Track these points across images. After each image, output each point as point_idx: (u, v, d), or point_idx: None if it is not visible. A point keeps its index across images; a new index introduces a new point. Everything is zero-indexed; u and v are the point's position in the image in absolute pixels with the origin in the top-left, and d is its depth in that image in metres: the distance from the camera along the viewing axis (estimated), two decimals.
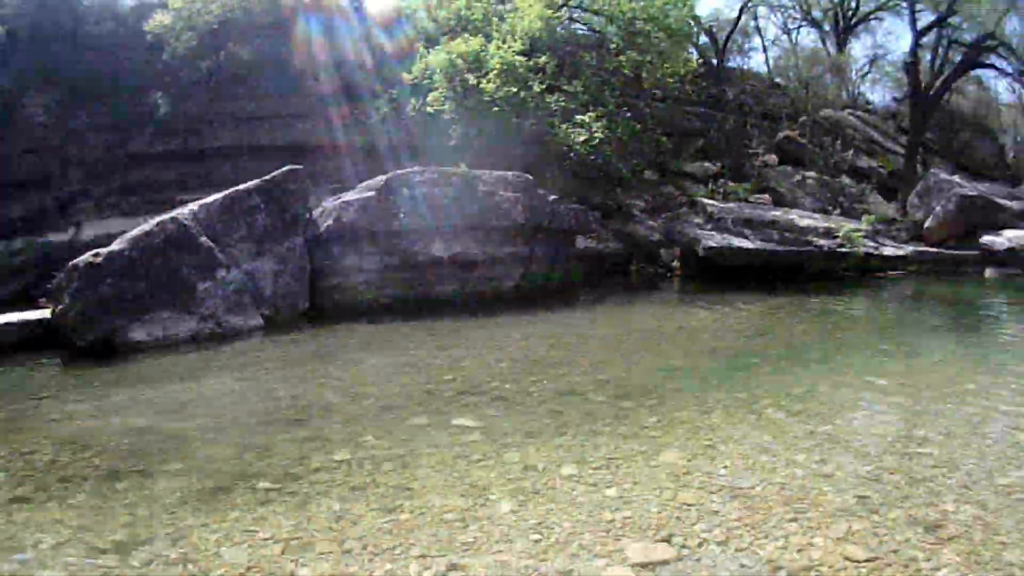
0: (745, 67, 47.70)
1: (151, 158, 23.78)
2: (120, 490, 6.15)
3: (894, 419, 8.71)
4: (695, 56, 34.93)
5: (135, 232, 12.75)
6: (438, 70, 22.25)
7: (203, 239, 13.35)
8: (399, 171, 16.84)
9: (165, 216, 13.30)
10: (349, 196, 16.26)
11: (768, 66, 50.68)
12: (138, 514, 5.68)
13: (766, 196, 30.75)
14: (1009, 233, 30.10)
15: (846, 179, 35.45)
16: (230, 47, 25.71)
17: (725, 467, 6.74)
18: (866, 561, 5.02)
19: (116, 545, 5.23)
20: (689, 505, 5.87)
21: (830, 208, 31.63)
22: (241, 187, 14.56)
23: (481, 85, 21.60)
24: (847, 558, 5.07)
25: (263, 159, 21.11)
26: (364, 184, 16.79)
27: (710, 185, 30.49)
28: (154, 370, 10.96)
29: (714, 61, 37.55)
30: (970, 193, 31.05)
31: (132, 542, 5.26)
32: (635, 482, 6.33)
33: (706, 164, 32.66)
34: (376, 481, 6.31)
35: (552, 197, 18.82)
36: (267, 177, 14.92)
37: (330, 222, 15.53)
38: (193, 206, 13.94)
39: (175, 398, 9.27)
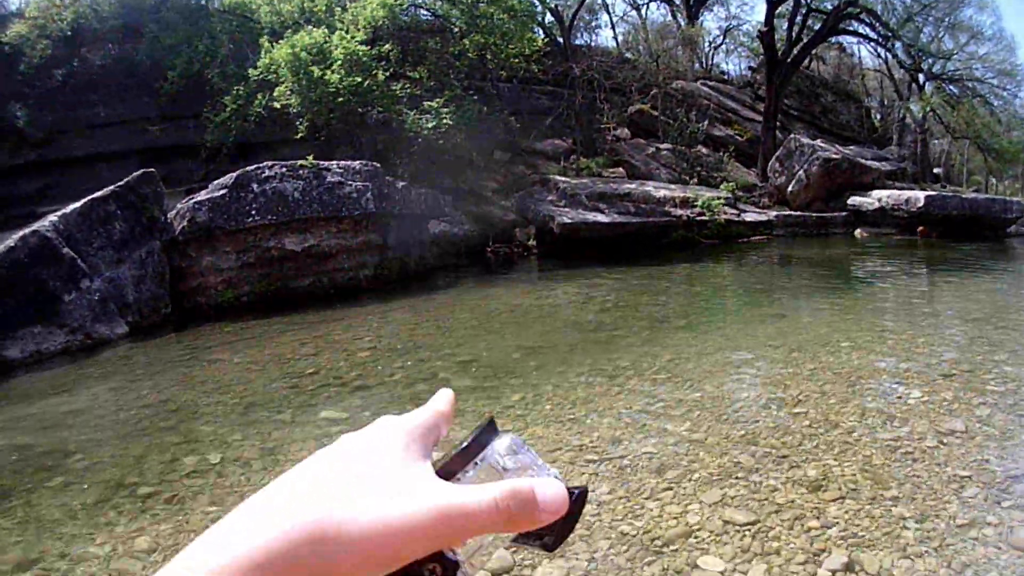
0: (593, 44, 48.22)
1: (11, 171, 23.79)
2: (9, 509, 6.37)
3: (766, 381, 8.98)
4: (540, 35, 35.17)
5: None
6: (283, 64, 22.61)
7: (65, 250, 13.53)
8: (248, 167, 17.01)
9: (26, 230, 13.45)
10: (201, 196, 16.49)
11: (617, 42, 51.41)
12: (27, 534, 5.88)
13: (620, 170, 31.57)
14: (877, 193, 31.62)
15: (702, 149, 36.23)
16: (83, 53, 25.88)
17: (592, 440, 6.97)
18: (748, 524, 5.29)
19: (14, 567, 5.48)
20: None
21: (687, 178, 32.37)
22: (97, 195, 14.70)
23: (326, 76, 22.07)
24: (727, 522, 5.34)
25: (119, 165, 21.12)
26: (215, 183, 16.98)
27: (562, 162, 31.17)
28: (30, 386, 11.12)
29: (560, 40, 38.32)
30: (833, 156, 32.24)
31: (27, 561, 5.49)
32: None
33: (557, 141, 33.28)
34: (248, 480, 6.56)
35: (401, 184, 19.41)
36: (121, 183, 15.14)
37: (184, 223, 15.80)
38: (53, 217, 14.06)
39: (54, 412, 9.36)
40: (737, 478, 5.96)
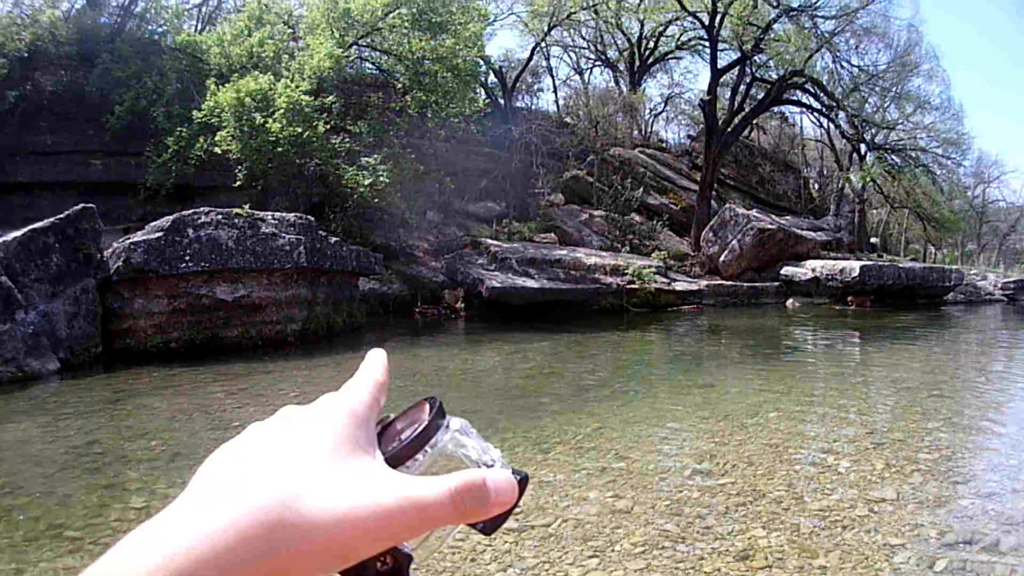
0: (534, 107, 48.91)
1: None
2: None
3: (692, 451, 9.02)
4: (482, 96, 35.84)
5: None
6: (227, 108, 22.82)
7: (3, 278, 13.51)
8: (185, 211, 17.02)
9: None
10: (137, 237, 16.39)
11: (558, 105, 52.05)
12: None
13: (552, 235, 32.02)
14: (812, 263, 32.61)
15: (636, 217, 36.86)
16: (37, 76, 26.08)
17: (516, 507, 7.31)
18: None
19: None
20: (484, 546, 6.04)
21: (619, 246, 33.02)
22: (38, 225, 14.60)
23: (267, 124, 22.34)
24: None
25: (59, 196, 21.65)
26: (152, 224, 16.89)
27: (495, 225, 31.56)
28: None
29: (501, 101, 38.72)
30: (768, 226, 33.12)
31: None
32: None
33: (491, 204, 33.71)
34: None
35: (334, 239, 19.46)
36: (62, 216, 15.03)
37: (119, 263, 15.72)
38: None
39: None
40: (663, 548, 6.00)
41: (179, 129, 24.80)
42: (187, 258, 16.22)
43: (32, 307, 13.95)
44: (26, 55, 26.02)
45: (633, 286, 27.72)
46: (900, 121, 43.39)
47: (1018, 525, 6.51)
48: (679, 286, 30.29)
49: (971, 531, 6.30)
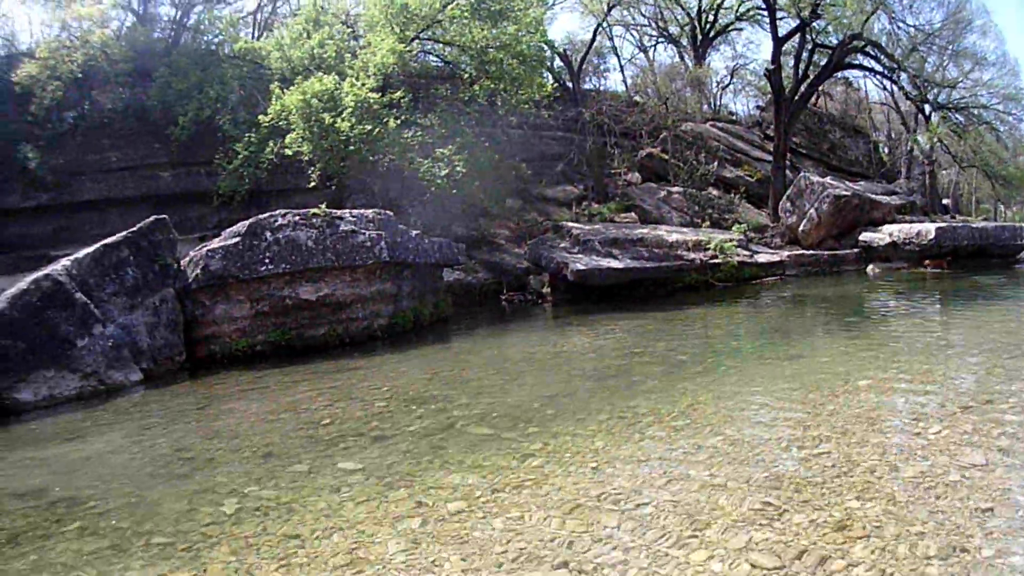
0: (602, 87, 48.32)
1: (22, 213, 23.90)
2: (22, 554, 6.31)
3: (785, 423, 8.82)
4: (550, 80, 35.35)
5: (12, 291, 12.86)
6: (294, 111, 22.58)
7: (78, 295, 13.35)
8: (261, 215, 16.91)
9: (39, 273, 13.40)
10: (214, 244, 16.36)
11: (626, 85, 51.75)
12: None
13: (632, 214, 31.69)
14: (888, 228, 31.88)
15: (713, 191, 36.26)
16: (94, 96, 26.00)
17: (614, 489, 6.83)
18: (774, 569, 5.20)
19: None
20: (582, 531, 5.95)
21: (699, 221, 32.40)
22: (110, 240, 14.61)
23: (337, 124, 22.03)
24: (754, 566, 5.25)
25: (131, 211, 21.46)
26: (228, 231, 16.88)
27: (574, 208, 31.28)
28: (43, 430, 11.11)
29: (569, 84, 38.39)
30: (844, 193, 32.32)
31: None
32: (524, 512, 6.42)
33: (568, 187, 33.42)
34: (266, 530, 6.43)
35: (414, 232, 19.20)
36: (134, 228, 15.05)
37: (198, 271, 15.65)
38: (65, 262, 13.93)
39: (66, 458, 9.32)
40: (761, 524, 5.88)
41: (247, 135, 24.65)
42: (267, 261, 16.06)
43: (110, 321, 13.83)
44: (80, 76, 25.86)
45: (716, 261, 27.16)
46: (960, 79, 42.37)
47: None
48: (761, 258, 29.79)
49: None
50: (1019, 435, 7.65)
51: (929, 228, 31.32)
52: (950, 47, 41.81)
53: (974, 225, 35.49)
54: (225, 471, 8.24)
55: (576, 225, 27.89)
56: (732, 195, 36.63)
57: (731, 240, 28.64)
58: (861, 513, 5.93)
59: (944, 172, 55.99)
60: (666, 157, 37.98)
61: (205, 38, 30.87)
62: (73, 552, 6.25)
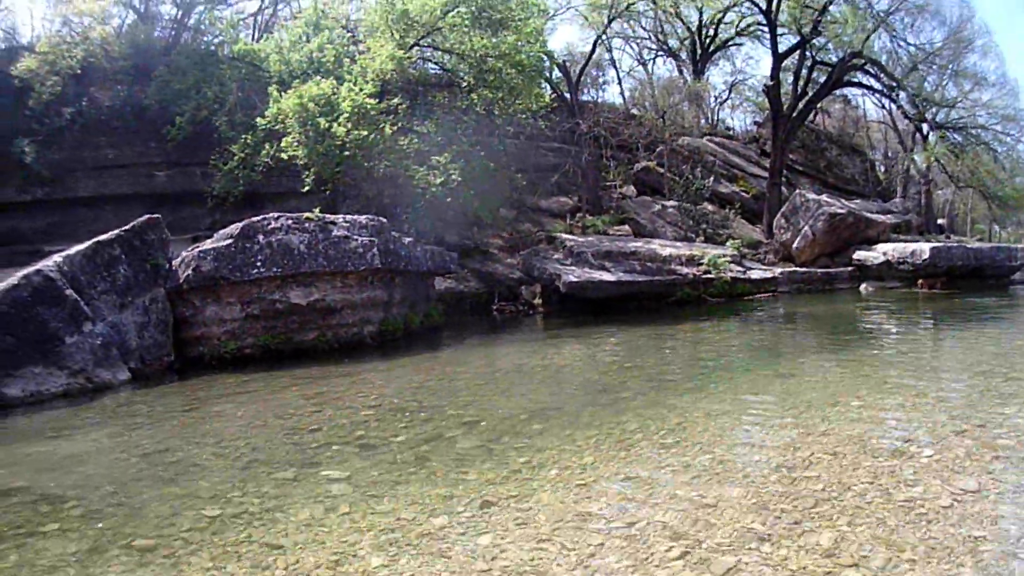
0: (600, 100, 48.68)
1: (17, 208, 24.06)
2: (2, 554, 6.25)
3: (775, 443, 8.73)
4: (547, 91, 35.35)
5: (2, 286, 12.75)
6: (290, 114, 22.63)
7: (69, 291, 13.28)
8: (254, 218, 16.89)
9: (30, 268, 13.34)
10: (206, 245, 16.35)
11: (624, 97, 52.19)
12: None
13: (626, 227, 31.93)
14: (883, 247, 32.08)
15: (708, 206, 36.57)
16: (92, 92, 26.14)
17: (601, 507, 6.76)
18: None
19: None
20: (568, 549, 5.88)
21: (693, 235, 32.61)
22: (103, 237, 14.57)
23: (333, 129, 22.10)
24: None
25: (125, 209, 21.56)
26: (221, 232, 16.86)
27: (568, 220, 31.42)
28: (29, 427, 11.09)
29: (567, 95, 38.49)
30: (839, 211, 32.68)
31: None
32: (509, 528, 6.35)
33: (563, 199, 33.57)
34: (249, 538, 6.37)
35: (408, 239, 19.27)
36: (127, 227, 15.02)
37: (189, 272, 15.66)
38: (57, 258, 13.73)
39: (51, 456, 9.32)
40: (750, 548, 5.78)
41: (244, 137, 24.75)
42: (259, 264, 16.06)
43: (100, 319, 13.80)
44: (79, 72, 26.10)
45: (709, 276, 27.31)
46: (960, 99, 43.07)
47: None
48: (754, 274, 29.85)
49: None
50: (1012, 460, 7.66)
51: (924, 248, 31.47)
52: (950, 66, 42.42)
53: (969, 246, 35.80)
54: (209, 476, 8.23)
55: (570, 237, 28.06)
56: (727, 210, 37.15)
57: (725, 255, 28.78)
58: (852, 537, 5.88)
59: (940, 192, 56.41)
60: (662, 171, 38.27)
61: (205, 38, 31.13)
62: (54, 554, 6.20)
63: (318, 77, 24.42)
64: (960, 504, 6.44)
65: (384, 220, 18.81)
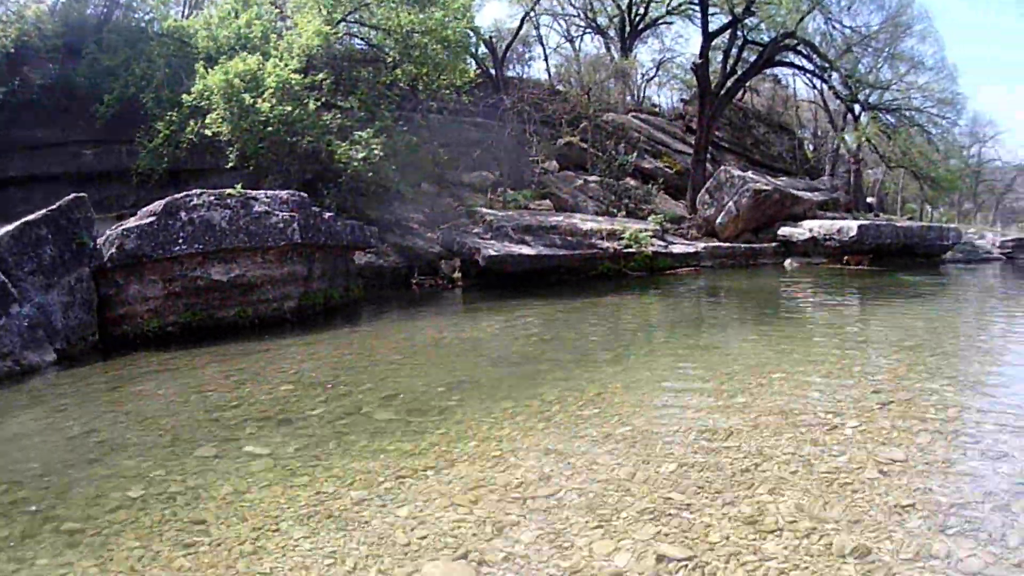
0: (525, 76, 49.08)
1: None
2: None
3: (696, 414, 8.79)
4: (473, 67, 35.87)
5: None
6: (216, 91, 22.84)
7: None
8: (176, 195, 16.81)
9: None
10: (130, 223, 16.23)
11: (549, 74, 52.94)
12: None
13: (547, 202, 32.14)
14: (809, 224, 32.94)
15: (631, 181, 36.97)
16: (25, 72, 26.10)
17: (519, 478, 6.89)
18: (683, 560, 5.19)
19: None
20: (484, 520, 6.01)
21: (615, 210, 33.07)
22: (30, 218, 14.47)
23: (257, 105, 22.34)
24: (661, 557, 5.26)
25: (54, 189, 21.28)
26: (144, 210, 16.72)
27: (490, 194, 31.65)
28: None
29: (492, 71, 38.69)
30: (764, 187, 33.29)
31: None
32: (427, 500, 6.47)
33: (485, 174, 33.71)
34: (173, 515, 6.44)
35: (328, 215, 19.41)
36: (53, 207, 14.94)
37: (113, 251, 15.54)
38: None
39: None
40: (669, 515, 5.93)
41: (169, 114, 24.78)
42: (180, 241, 16.11)
43: (27, 300, 13.82)
44: (12, 51, 25.92)
45: (630, 250, 27.71)
46: (894, 81, 43.49)
47: None
48: (676, 249, 30.30)
49: (982, 492, 6.23)
50: (941, 432, 7.79)
51: (851, 225, 32.24)
52: (886, 49, 42.95)
53: (899, 224, 36.36)
54: (134, 455, 8.27)
55: (490, 211, 28.35)
56: (650, 186, 37.45)
57: (646, 230, 29.21)
58: (774, 508, 5.98)
59: (870, 171, 56.97)
60: (585, 146, 38.73)
61: (136, 15, 30.83)
62: None
63: (244, 53, 24.58)
64: (886, 475, 6.62)
65: (305, 195, 18.93)
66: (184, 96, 24.06)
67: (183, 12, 35.74)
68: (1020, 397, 9.60)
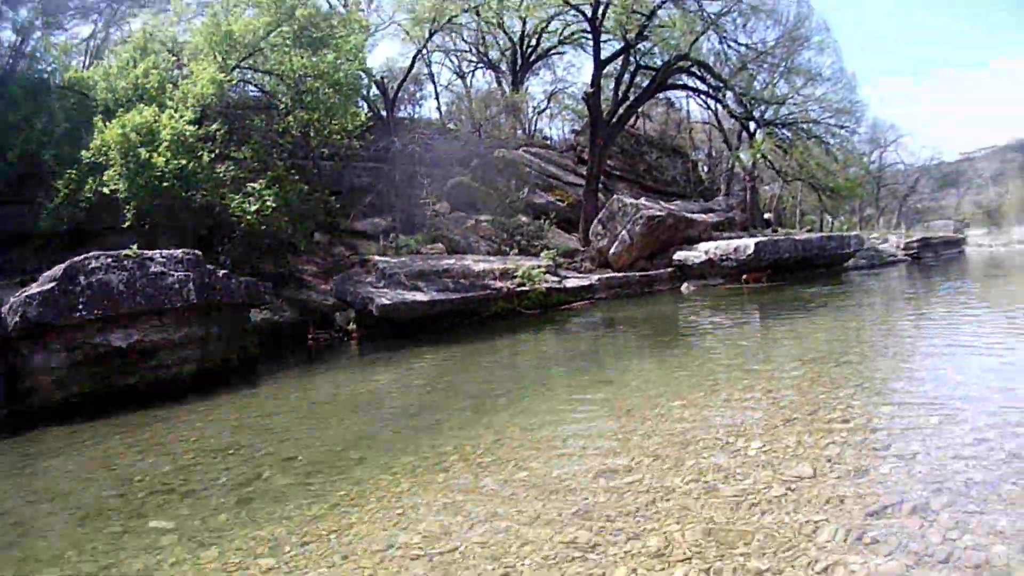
0: (417, 115, 49.54)
1: None
2: None
3: (596, 452, 8.99)
4: (364, 109, 36.19)
5: None
6: (113, 146, 22.66)
7: None
8: (75, 258, 16.52)
9: None
10: (32, 289, 16.01)
11: (440, 112, 52.94)
12: None
13: (439, 245, 32.50)
14: (704, 246, 33.90)
15: (523, 217, 37.41)
16: None
17: (419, 534, 7.03)
18: None
19: None
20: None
21: (507, 249, 33.60)
22: None
23: (153, 159, 22.26)
24: None
25: None
26: (45, 275, 16.60)
27: (382, 241, 32.02)
28: None
29: (384, 113, 38.89)
30: (658, 213, 34.25)
31: None
32: (332, 566, 6.62)
33: (377, 220, 34.12)
34: None
35: (222, 272, 19.28)
36: None
37: (17, 319, 15.47)
38: None
39: None
40: (574, 558, 6.08)
41: (68, 171, 24.43)
42: (80, 307, 15.98)
43: None
44: None
45: (524, 288, 28.26)
46: (790, 95, 44.75)
47: (946, 483, 6.74)
48: (570, 283, 30.87)
49: (898, 496, 6.53)
50: (849, 442, 8.09)
51: (748, 243, 33.18)
52: (783, 64, 44.19)
53: (797, 237, 37.57)
54: (47, 537, 8.41)
55: (382, 259, 28.60)
56: (542, 221, 37.90)
57: (539, 267, 29.74)
58: (680, 538, 6.17)
59: (766, 187, 58.11)
60: (476, 185, 39.10)
61: (39, 67, 30.20)
62: None
63: (141, 105, 24.43)
64: (794, 492, 6.88)
65: (198, 253, 18.77)
66: (83, 152, 23.85)
67: (84, 62, 35.12)
68: (928, 396, 10.17)
